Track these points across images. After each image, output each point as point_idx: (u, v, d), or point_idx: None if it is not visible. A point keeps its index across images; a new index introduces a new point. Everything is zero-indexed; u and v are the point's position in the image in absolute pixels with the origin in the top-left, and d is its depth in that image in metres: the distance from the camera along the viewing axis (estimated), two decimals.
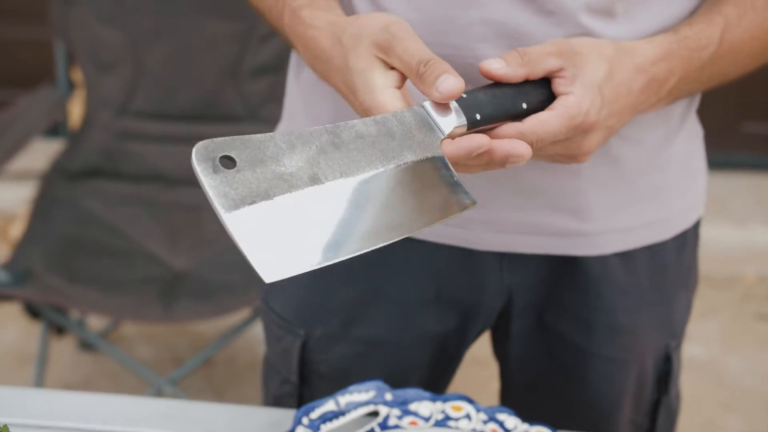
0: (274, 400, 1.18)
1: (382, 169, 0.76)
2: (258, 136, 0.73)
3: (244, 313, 2.09)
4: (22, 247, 2.13)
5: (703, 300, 2.78)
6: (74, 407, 1.04)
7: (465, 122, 0.81)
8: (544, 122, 0.82)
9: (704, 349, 2.63)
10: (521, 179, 0.99)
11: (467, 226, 1.03)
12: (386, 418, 0.97)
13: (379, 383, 0.99)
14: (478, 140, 0.79)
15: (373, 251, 1.05)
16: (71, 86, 2.42)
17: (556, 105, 0.83)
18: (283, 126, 1.14)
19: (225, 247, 2.20)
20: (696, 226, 1.12)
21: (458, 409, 0.98)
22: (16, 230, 2.82)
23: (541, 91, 0.85)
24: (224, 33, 2.33)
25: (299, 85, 1.09)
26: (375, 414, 0.98)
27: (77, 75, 2.42)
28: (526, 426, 0.97)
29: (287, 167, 0.73)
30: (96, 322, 2.53)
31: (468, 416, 0.97)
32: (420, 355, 1.12)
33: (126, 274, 2.14)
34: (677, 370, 1.17)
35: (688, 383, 1.43)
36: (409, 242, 1.05)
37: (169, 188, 2.36)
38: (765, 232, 3.07)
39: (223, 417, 1.03)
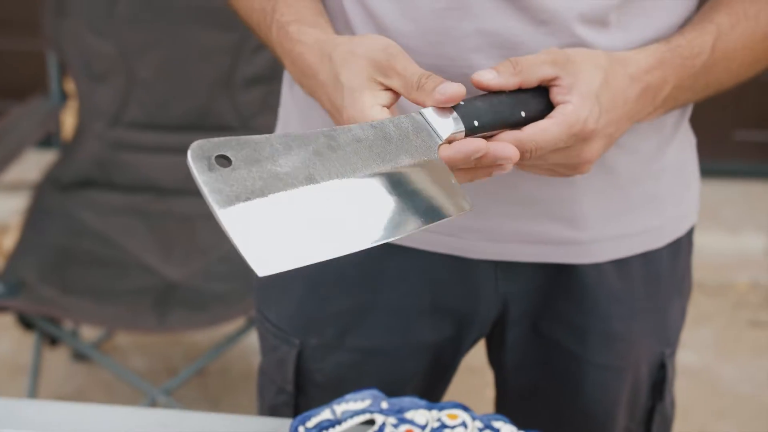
0: (269, 409, 1.18)
1: (378, 171, 0.76)
2: (254, 137, 0.73)
3: (238, 323, 2.09)
4: (14, 258, 2.12)
5: (696, 307, 2.79)
6: (68, 418, 1.04)
7: (463, 129, 0.81)
8: (543, 130, 0.83)
9: (698, 357, 2.63)
10: (516, 188, 1.00)
11: (462, 234, 1.03)
12: (382, 426, 0.97)
13: (374, 392, 0.99)
14: (476, 144, 0.79)
15: (368, 259, 1.06)
16: (64, 97, 2.42)
17: (555, 113, 0.84)
18: None
19: (219, 257, 2.20)
20: (690, 234, 1.12)
21: (454, 417, 0.98)
22: (9, 241, 2.82)
23: (539, 101, 0.85)
24: (217, 43, 2.33)
25: (293, 97, 1.09)
26: (371, 422, 0.98)
27: (70, 86, 2.42)
28: None
29: (283, 167, 0.73)
30: (89, 333, 2.52)
31: (464, 424, 0.97)
32: (415, 364, 1.12)
33: (119, 284, 2.14)
34: (672, 377, 1.17)
35: (682, 390, 1.43)
36: (403, 251, 1.06)
37: (162, 198, 2.36)
38: (758, 239, 3.08)
39: (218, 426, 1.03)
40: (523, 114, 0.84)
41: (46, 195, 2.32)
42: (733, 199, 3.26)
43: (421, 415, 0.98)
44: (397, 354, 1.11)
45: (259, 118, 2.34)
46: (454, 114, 0.81)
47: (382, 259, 1.06)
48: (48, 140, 2.43)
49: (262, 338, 1.19)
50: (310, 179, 0.73)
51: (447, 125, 0.81)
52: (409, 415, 0.98)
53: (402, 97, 0.85)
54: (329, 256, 0.72)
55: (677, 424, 1.24)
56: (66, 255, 2.18)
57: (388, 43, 0.86)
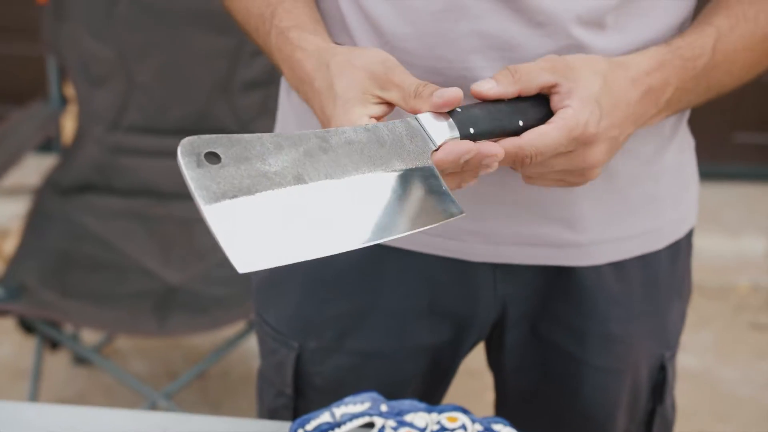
0: (269, 412, 1.18)
1: (368, 174, 0.76)
2: (246, 135, 0.73)
3: (238, 327, 2.09)
4: (15, 262, 2.12)
5: (696, 310, 2.78)
6: (69, 421, 1.04)
7: (458, 135, 0.81)
8: (542, 134, 0.82)
9: (698, 359, 2.63)
10: (515, 191, 1.00)
11: (461, 237, 1.03)
12: (382, 429, 0.97)
13: (374, 394, 0.99)
14: (467, 146, 0.79)
15: (366, 262, 1.07)
16: (64, 101, 2.42)
17: (555, 118, 0.84)
18: None
19: (219, 261, 2.19)
20: (689, 236, 1.12)
21: (453, 420, 0.98)
22: (10, 246, 2.82)
23: (538, 110, 0.85)
24: (215, 48, 2.34)
25: (290, 101, 1.09)
26: (370, 425, 0.98)
27: (69, 90, 2.42)
28: None
29: (272, 166, 0.73)
30: (90, 337, 2.52)
31: (463, 427, 0.97)
32: (414, 367, 1.12)
33: (120, 288, 2.14)
34: (672, 380, 1.17)
35: (683, 393, 1.42)
36: (402, 253, 1.06)
37: (161, 202, 2.36)
38: (758, 242, 3.08)
39: (218, 430, 1.03)
40: (521, 123, 0.84)
41: (46, 199, 2.32)
42: (733, 201, 3.26)
43: (420, 418, 0.98)
44: (396, 357, 1.11)
45: (257, 121, 2.34)
46: (450, 120, 0.81)
47: (381, 262, 1.06)
48: (48, 145, 2.43)
49: (261, 341, 1.19)
50: (299, 179, 0.73)
51: (442, 131, 0.81)
52: (408, 418, 0.98)
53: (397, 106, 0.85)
54: (312, 256, 0.72)
55: (678, 426, 1.24)
56: (66, 259, 2.19)
57: (386, 56, 0.86)
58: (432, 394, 1.16)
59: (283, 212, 0.71)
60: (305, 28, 0.93)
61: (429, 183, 0.78)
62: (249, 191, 0.71)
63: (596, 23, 0.92)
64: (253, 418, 1.09)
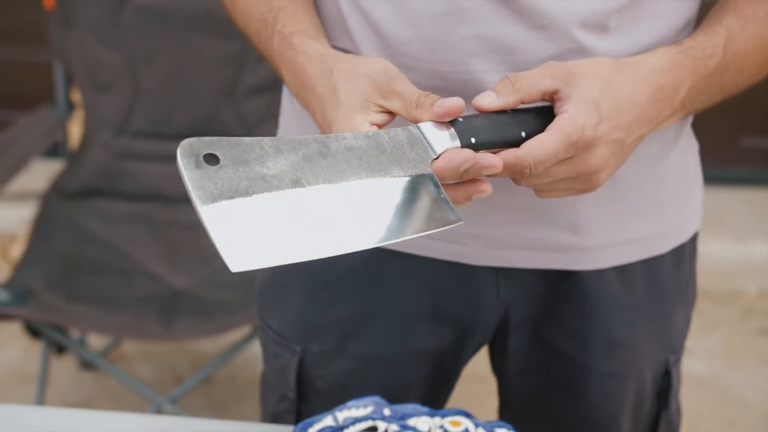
0: (272, 416, 1.18)
1: (367, 180, 0.76)
2: (246, 138, 0.74)
3: (243, 331, 2.09)
4: (22, 266, 2.13)
5: (704, 315, 2.79)
6: (75, 425, 1.04)
7: (459, 144, 0.80)
8: (539, 144, 0.82)
9: (706, 365, 2.63)
10: (518, 195, 0.99)
11: (463, 241, 1.03)
12: None
13: (377, 398, 0.99)
14: (467, 154, 0.79)
15: (368, 265, 1.07)
16: (70, 107, 2.43)
17: (552, 125, 0.83)
18: None
19: (224, 265, 2.18)
20: (693, 240, 1.12)
21: (457, 424, 0.97)
22: (16, 250, 2.82)
23: (540, 121, 0.84)
24: (221, 53, 2.34)
25: (293, 107, 1.09)
26: (373, 429, 0.98)
27: (76, 96, 2.43)
28: None
29: (270, 169, 0.73)
30: (96, 341, 2.53)
31: (467, 431, 0.97)
32: (417, 371, 1.12)
33: (126, 292, 2.14)
34: (677, 384, 1.16)
35: (690, 399, 1.42)
36: (404, 257, 1.06)
37: (167, 207, 2.36)
38: (765, 247, 3.07)
39: None
40: (523, 134, 0.83)
41: (53, 204, 2.33)
42: (738, 206, 3.25)
43: (423, 422, 0.98)
44: (398, 360, 1.11)
45: (262, 126, 2.35)
46: (452, 130, 0.81)
47: (383, 266, 1.06)
48: (55, 150, 2.44)
49: (264, 345, 1.19)
50: (297, 183, 0.74)
51: (443, 140, 0.80)
52: (411, 421, 0.98)
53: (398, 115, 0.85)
54: (306, 257, 0.72)
55: (685, 431, 1.24)
56: (72, 263, 2.19)
57: (389, 65, 0.86)
58: (435, 398, 1.16)
59: (278, 214, 0.72)
60: (308, 34, 0.93)
61: (428, 190, 0.78)
62: (246, 193, 0.71)
63: (599, 26, 0.91)
64: (256, 422, 1.09)
